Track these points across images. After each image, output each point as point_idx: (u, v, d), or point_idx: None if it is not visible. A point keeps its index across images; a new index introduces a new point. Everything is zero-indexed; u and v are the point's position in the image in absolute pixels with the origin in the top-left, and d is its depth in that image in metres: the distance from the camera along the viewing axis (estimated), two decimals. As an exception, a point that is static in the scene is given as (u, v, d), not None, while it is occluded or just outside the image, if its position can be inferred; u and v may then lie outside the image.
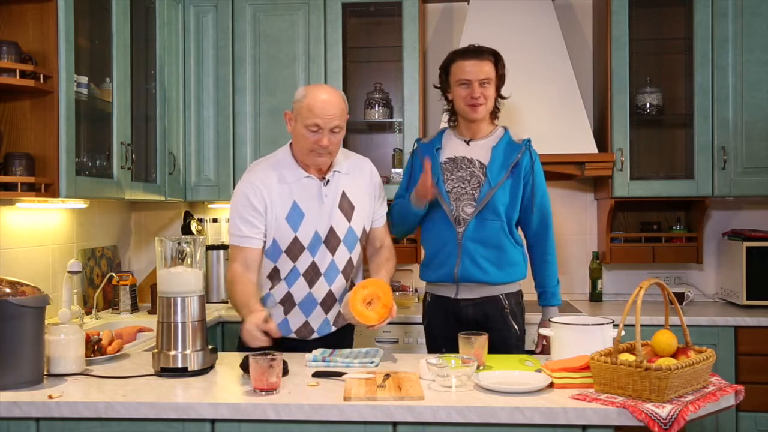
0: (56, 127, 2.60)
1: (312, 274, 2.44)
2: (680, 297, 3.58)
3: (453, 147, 2.67)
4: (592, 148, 3.51)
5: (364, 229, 2.52)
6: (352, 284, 2.56)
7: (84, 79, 2.80)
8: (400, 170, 3.74)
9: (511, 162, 2.58)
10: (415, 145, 2.77)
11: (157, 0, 3.44)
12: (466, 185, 2.60)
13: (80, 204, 3.17)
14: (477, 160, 2.62)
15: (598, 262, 3.85)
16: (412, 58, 3.67)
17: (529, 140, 2.65)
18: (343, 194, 2.47)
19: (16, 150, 2.61)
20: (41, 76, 2.56)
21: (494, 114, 2.69)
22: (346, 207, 2.46)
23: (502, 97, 2.69)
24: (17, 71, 2.49)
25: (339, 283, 2.48)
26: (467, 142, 2.66)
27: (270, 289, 2.48)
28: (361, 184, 2.52)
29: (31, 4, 2.62)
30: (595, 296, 3.85)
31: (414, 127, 3.67)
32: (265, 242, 2.42)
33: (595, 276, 3.85)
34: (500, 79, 2.65)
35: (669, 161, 3.84)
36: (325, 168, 2.45)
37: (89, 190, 2.80)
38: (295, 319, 2.49)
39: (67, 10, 2.63)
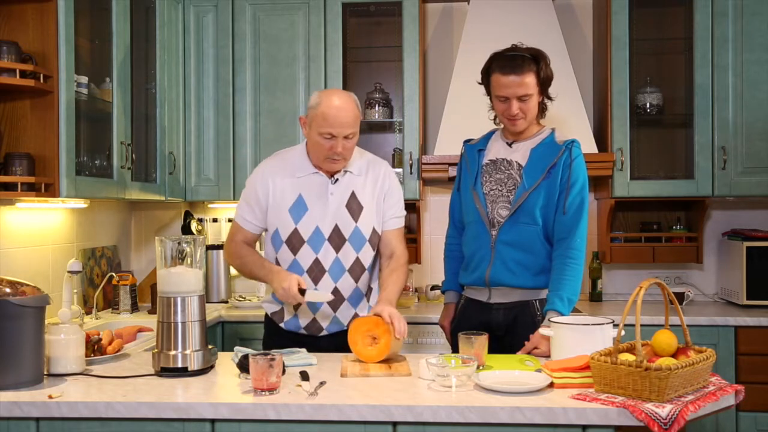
0: (56, 127, 2.60)
1: (316, 271, 2.46)
2: (680, 297, 3.58)
3: (496, 149, 2.60)
4: (592, 147, 3.51)
5: (374, 230, 2.51)
6: (370, 289, 2.57)
7: (84, 79, 2.80)
8: (400, 170, 3.74)
9: (549, 163, 2.47)
10: (463, 148, 2.72)
11: (157, 0, 3.44)
12: (502, 187, 2.53)
13: (80, 204, 3.17)
14: (516, 161, 2.54)
15: (598, 261, 3.85)
16: (412, 58, 3.67)
17: (571, 141, 2.51)
18: (353, 194, 2.48)
19: (16, 150, 2.61)
20: (41, 76, 2.56)
21: (541, 114, 2.57)
22: (355, 207, 2.48)
23: (549, 98, 2.56)
24: (17, 71, 2.49)
25: (346, 282, 2.48)
26: (509, 144, 2.58)
27: None
28: (372, 186, 2.52)
29: (31, 4, 2.62)
30: (595, 296, 3.85)
31: (414, 127, 3.67)
32: (265, 230, 2.55)
33: (595, 276, 3.85)
34: (544, 83, 2.49)
35: (669, 161, 3.83)
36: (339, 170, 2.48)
37: (89, 190, 2.80)
38: (304, 317, 2.52)
39: (67, 10, 2.63)
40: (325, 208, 2.45)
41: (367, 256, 2.51)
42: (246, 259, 2.52)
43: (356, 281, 2.51)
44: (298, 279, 2.33)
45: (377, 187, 2.53)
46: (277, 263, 2.49)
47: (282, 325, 2.56)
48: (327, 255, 2.45)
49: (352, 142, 2.40)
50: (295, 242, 2.45)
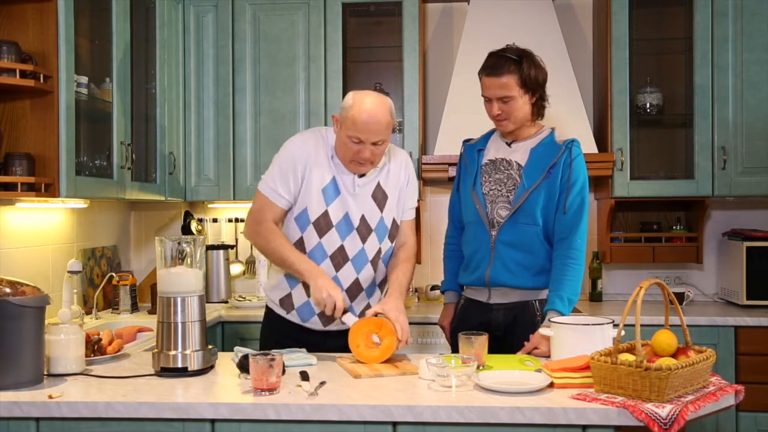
0: (56, 127, 2.61)
1: (339, 258, 2.42)
2: (680, 297, 3.58)
3: (495, 149, 2.60)
4: (592, 148, 3.51)
5: (394, 221, 2.50)
6: (384, 280, 2.54)
7: (84, 79, 2.81)
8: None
9: (549, 163, 2.46)
10: (462, 148, 2.72)
11: (157, 0, 3.44)
12: (502, 188, 2.52)
13: (80, 204, 3.17)
14: (515, 161, 2.53)
15: (598, 261, 3.85)
16: (412, 58, 3.67)
17: (571, 141, 2.50)
18: (378, 185, 2.46)
19: (16, 150, 2.61)
20: (41, 76, 2.56)
21: (537, 114, 2.55)
22: (380, 197, 2.46)
23: (543, 99, 2.53)
24: (17, 71, 2.49)
25: (367, 272, 2.46)
26: (509, 144, 2.58)
27: None
28: (396, 174, 2.50)
29: (31, 4, 2.62)
30: (595, 296, 3.85)
31: (414, 127, 3.68)
32: (291, 208, 2.43)
33: (595, 276, 3.85)
34: (528, 84, 2.45)
35: (669, 161, 3.84)
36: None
37: (89, 190, 2.80)
38: None
39: (67, 10, 2.63)
40: (355, 198, 2.42)
41: (386, 247, 2.50)
42: (278, 243, 2.37)
43: (375, 272, 2.49)
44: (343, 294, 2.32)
45: (401, 174, 2.52)
46: (300, 243, 2.41)
47: (290, 316, 2.49)
48: (353, 244, 2.42)
49: (381, 149, 2.35)
50: (323, 225, 2.39)
